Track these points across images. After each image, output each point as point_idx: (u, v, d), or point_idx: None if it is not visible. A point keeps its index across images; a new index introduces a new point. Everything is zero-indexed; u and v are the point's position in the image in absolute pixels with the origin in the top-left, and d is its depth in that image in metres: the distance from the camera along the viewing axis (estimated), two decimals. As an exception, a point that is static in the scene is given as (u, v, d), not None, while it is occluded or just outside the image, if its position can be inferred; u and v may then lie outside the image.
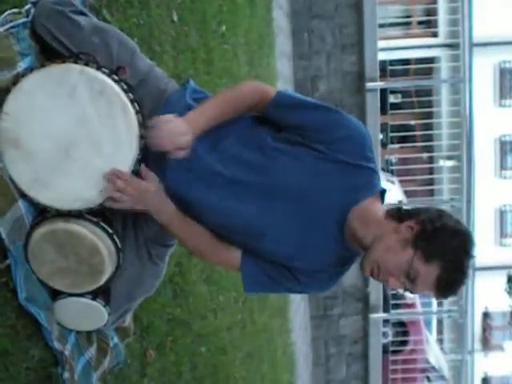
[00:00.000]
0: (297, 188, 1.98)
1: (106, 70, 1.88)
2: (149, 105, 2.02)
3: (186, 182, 2.02)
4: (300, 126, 2.00)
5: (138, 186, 1.92)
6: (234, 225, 2.04)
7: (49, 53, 2.05)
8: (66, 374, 2.12)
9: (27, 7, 2.06)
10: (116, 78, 1.88)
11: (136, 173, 1.93)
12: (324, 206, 2.00)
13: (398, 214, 2.00)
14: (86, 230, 1.96)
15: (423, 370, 11.30)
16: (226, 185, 2.01)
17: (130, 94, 1.88)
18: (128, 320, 2.62)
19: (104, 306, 2.16)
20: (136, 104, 1.89)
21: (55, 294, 2.10)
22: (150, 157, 1.99)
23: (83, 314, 2.16)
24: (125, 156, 1.89)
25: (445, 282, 1.91)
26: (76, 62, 1.86)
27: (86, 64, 1.86)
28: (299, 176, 1.98)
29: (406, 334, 11.04)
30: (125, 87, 1.88)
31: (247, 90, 2.08)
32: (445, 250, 1.90)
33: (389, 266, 1.94)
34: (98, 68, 1.87)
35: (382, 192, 2.06)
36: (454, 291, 1.95)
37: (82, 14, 2.10)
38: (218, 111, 2.02)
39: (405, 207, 2.06)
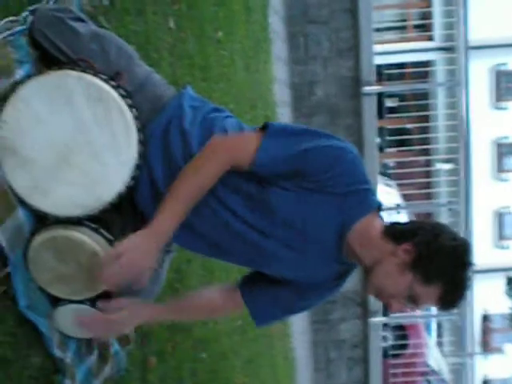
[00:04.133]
0: (293, 217, 1.98)
1: (104, 76, 1.88)
2: (146, 110, 2.02)
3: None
4: (288, 175, 1.96)
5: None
6: (232, 245, 2.06)
7: (48, 60, 2.05)
8: (67, 382, 2.12)
9: (25, 14, 2.06)
10: (114, 83, 1.89)
11: (136, 178, 1.93)
12: (322, 231, 2.01)
13: (394, 235, 2.00)
14: (85, 237, 1.96)
15: (423, 374, 11.28)
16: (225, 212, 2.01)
17: (128, 100, 1.89)
18: (128, 327, 2.62)
19: (104, 313, 2.15)
20: (134, 109, 1.90)
21: (55, 301, 2.10)
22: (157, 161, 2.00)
23: (84, 320, 2.15)
24: (124, 162, 1.89)
25: (447, 299, 1.95)
26: (73, 69, 1.86)
27: (84, 70, 1.86)
28: (294, 206, 1.97)
29: (405, 337, 11.03)
30: (123, 93, 1.88)
31: (213, 167, 1.94)
32: (443, 272, 1.92)
33: (390, 291, 1.98)
34: (96, 74, 1.87)
35: (379, 206, 2.07)
36: (456, 306, 1.99)
37: (81, 20, 2.10)
38: (186, 203, 1.92)
39: (401, 224, 2.06)
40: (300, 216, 1.98)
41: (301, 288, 2.15)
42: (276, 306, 2.19)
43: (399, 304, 1.98)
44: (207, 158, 1.95)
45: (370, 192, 2.03)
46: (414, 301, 1.97)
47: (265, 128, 2.00)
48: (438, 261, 1.91)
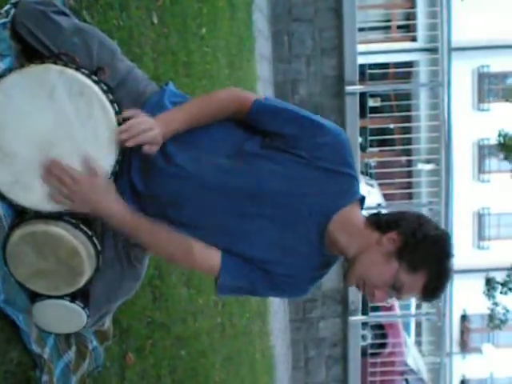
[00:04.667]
0: (277, 193, 1.97)
1: (86, 71, 1.87)
2: (128, 106, 2.00)
3: (160, 181, 2.01)
4: (279, 134, 1.99)
5: (79, 180, 1.86)
6: (210, 225, 2.04)
7: (30, 53, 2.04)
8: (45, 378, 2.11)
9: (7, 7, 2.05)
10: (95, 78, 1.88)
11: (116, 174, 1.93)
12: (304, 211, 1.99)
13: (378, 224, 2.00)
14: (65, 232, 1.95)
15: (402, 373, 11.35)
16: (202, 185, 2.00)
17: (110, 95, 1.88)
18: (107, 323, 2.61)
19: (83, 309, 2.14)
20: (115, 105, 1.89)
21: (34, 297, 2.09)
22: (135, 157, 1.98)
23: (62, 316, 2.14)
24: (105, 157, 1.88)
25: (431, 288, 1.96)
26: (55, 63, 1.85)
27: (66, 65, 1.85)
28: (279, 181, 1.97)
29: (384, 336, 11.09)
30: (104, 88, 1.87)
31: (225, 96, 2.06)
32: (429, 260, 1.93)
33: (374, 280, 1.97)
34: (78, 68, 1.86)
35: (362, 199, 2.07)
36: (439, 295, 2.01)
37: (64, 14, 2.09)
38: (192, 114, 2.00)
39: (384, 214, 2.07)
40: (285, 192, 1.97)
41: (275, 275, 2.08)
42: (246, 280, 2.09)
43: (383, 294, 1.98)
44: (221, 91, 2.11)
45: (356, 181, 2.03)
46: (398, 290, 1.96)
47: None
48: (424, 249, 1.92)
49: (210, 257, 2.04)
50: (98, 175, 1.89)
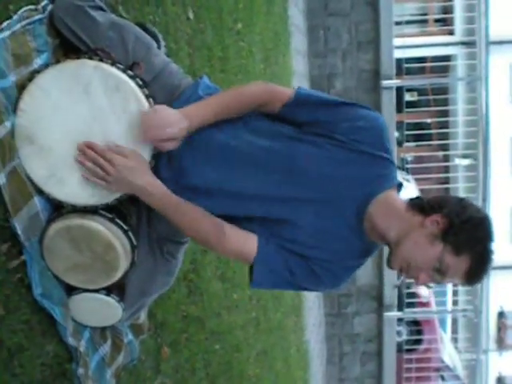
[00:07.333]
0: (316, 176, 1.97)
1: (121, 66, 1.88)
2: (162, 100, 2.01)
3: (201, 162, 2.02)
4: (320, 122, 2.00)
5: (115, 160, 1.87)
6: (251, 206, 2.02)
7: (66, 48, 2.06)
8: (81, 370, 2.13)
9: (43, 3, 2.07)
10: (131, 73, 1.89)
11: (151, 169, 1.93)
12: (344, 195, 1.99)
13: (420, 207, 1.99)
14: (101, 226, 1.96)
15: (437, 369, 11.27)
16: (243, 165, 2.00)
17: (145, 90, 1.89)
18: (142, 317, 2.63)
19: (118, 302, 2.16)
20: (151, 99, 1.90)
21: (70, 290, 2.11)
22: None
23: (98, 309, 2.16)
24: (140, 151, 1.89)
25: (475, 271, 1.94)
26: (91, 58, 1.86)
27: (101, 60, 1.86)
28: (319, 164, 1.97)
29: (420, 332, 11.01)
30: (140, 82, 1.88)
31: (255, 89, 2.06)
32: (473, 242, 1.91)
33: (419, 263, 1.95)
34: (113, 63, 1.87)
35: (399, 185, 2.06)
36: (482, 279, 1.98)
37: (100, 9, 2.10)
38: (222, 106, 1.99)
39: (425, 198, 2.05)
40: (325, 175, 1.97)
41: (314, 260, 2.05)
42: (283, 267, 2.04)
43: (427, 276, 1.96)
44: (251, 84, 2.09)
45: (394, 167, 2.04)
46: (442, 273, 1.94)
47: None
48: (469, 231, 1.91)
49: (246, 241, 2.01)
50: (131, 155, 1.89)
